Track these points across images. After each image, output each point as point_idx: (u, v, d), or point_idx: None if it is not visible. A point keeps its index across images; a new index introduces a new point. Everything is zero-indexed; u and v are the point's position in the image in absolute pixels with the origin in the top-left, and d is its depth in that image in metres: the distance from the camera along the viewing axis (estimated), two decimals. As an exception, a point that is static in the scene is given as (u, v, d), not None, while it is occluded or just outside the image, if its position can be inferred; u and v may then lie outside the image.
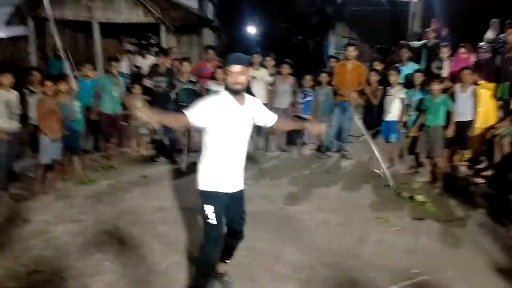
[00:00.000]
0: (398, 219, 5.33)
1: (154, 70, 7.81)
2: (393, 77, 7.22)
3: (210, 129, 3.29)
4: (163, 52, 8.30)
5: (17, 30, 14.04)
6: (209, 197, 3.38)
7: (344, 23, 20.17)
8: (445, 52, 7.81)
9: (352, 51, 7.82)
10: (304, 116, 8.06)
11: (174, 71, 7.99)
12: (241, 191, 3.55)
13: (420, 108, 6.83)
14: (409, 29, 13.24)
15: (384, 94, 7.42)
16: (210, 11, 24.03)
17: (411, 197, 5.95)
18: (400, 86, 7.20)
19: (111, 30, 14.71)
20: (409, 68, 7.62)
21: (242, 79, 3.24)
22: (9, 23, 12.70)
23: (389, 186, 6.47)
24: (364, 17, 18.75)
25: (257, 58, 8.26)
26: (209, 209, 3.36)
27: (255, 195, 6.05)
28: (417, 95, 6.99)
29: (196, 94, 7.68)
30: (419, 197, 5.89)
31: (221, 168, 3.38)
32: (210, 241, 3.41)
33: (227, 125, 3.29)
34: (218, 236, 3.45)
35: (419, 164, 7.09)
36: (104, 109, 7.52)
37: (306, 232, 5.01)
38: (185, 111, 3.20)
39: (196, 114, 3.19)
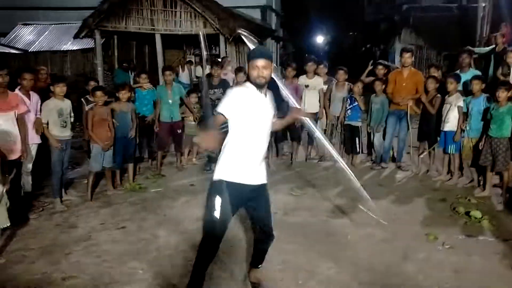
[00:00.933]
0: (449, 236, 4.95)
1: (208, 82, 7.83)
2: (451, 85, 6.80)
3: (235, 119, 3.30)
4: (216, 63, 8.33)
5: (89, 43, 14.81)
6: (221, 188, 3.29)
7: (411, 30, 19.48)
8: (511, 56, 7.27)
9: (408, 58, 7.52)
10: (352, 123, 7.81)
11: (228, 82, 8.01)
12: (263, 186, 3.47)
13: (486, 118, 6.35)
14: (478, 35, 12.52)
15: (443, 102, 7.00)
16: (273, 21, 24.17)
17: (467, 213, 5.53)
18: (458, 94, 6.77)
19: (174, 41, 15.14)
20: (468, 74, 7.15)
21: (266, 73, 3.26)
22: (77, 36, 13.33)
23: (445, 200, 6.08)
24: (431, 23, 18.05)
25: (311, 66, 8.14)
26: (216, 201, 3.28)
27: (300, 206, 5.92)
28: (475, 103, 6.53)
29: None
30: (476, 213, 5.45)
31: (242, 158, 3.33)
32: (207, 238, 3.38)
33: (251, 116, 3.32)
34: (218, 234, 3.36)
35: (480, 178, 6.61)
36: (161, 117, 7.62)
37: (347, 246, 4.78)
38: (217, 111, 3.30)
39: (227, 107, 3.28)
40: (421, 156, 7.53)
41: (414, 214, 5.70)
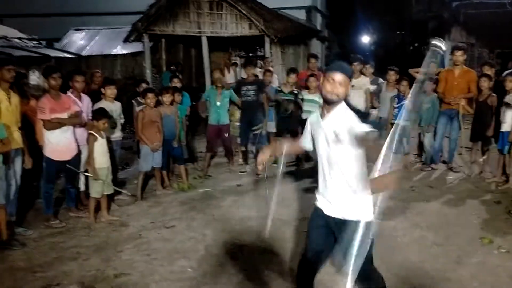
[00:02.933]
0: (505, 241, 4.77)
1: (241, 81, 7.88)
2: (510, 83, 6.50)
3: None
4: (250, 62, 8.33)
5: (138, 46, 15.19)
6: (310, 216, 3.26)
7: (461, 28, 18.89)
8: None
9: (459, 56, 7.29)
10: (399, 122, 7.57)
11: (262, 81, 8.06)
12: (344, 221, 2.99)
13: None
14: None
15: (500, 102, 6.72)
16: (318, 22, 24.00)
17: (524, 216, 5.32)
18: None
19: (220, 44, 15.30)
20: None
21: (340, 90, 2.92)
22: (126, 40, 13.69)
23: (499, 203, 5.87)
24: (482, 20, 17.39)
25: (357, 65, 8.01)
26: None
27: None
28: None
29: (297, 106, 7.75)
30: (533, 217, 5.24)
31: (319, 184, 3.13)
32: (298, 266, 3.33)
33: (316, 141, 3.11)
34: (302, 263, 3.30)
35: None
36: (210, 120, 7.65)
37: (397, 249, 4.68)
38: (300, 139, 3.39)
39: (305, 139, 3.31)
40: (481, 160, 7.28)
41: (467, 216, 5.52)
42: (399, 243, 4.84)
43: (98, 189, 5.62)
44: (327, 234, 3.12)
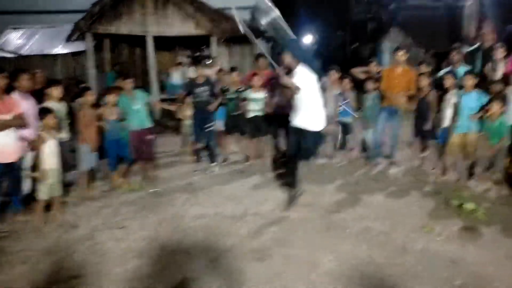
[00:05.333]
0: (444, 228, 5.09)
1: (193, 82, 7.89)
2: (448, 81, 6.92)
3: None
4: (200, 63, 8.38)
5: (80, 46, 14.79)
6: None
7: (399, 29, 19.72)
8: (499, 53, 7.42)
9: (401, 55, 7.61)
10: (344, 119, 7.93)
11: (214, 81, 8.13)
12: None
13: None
14: (464, 32, 12.73)
15: (440, 99, 7.13)
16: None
17: (460, 205, 5.68)
18: (455, 91, 6.90)
19: (166, 43, 15.18)
20: (460, 70, 7.30)
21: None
22: (69, 39, 13.33)
23: (439, 194, 6.23)
24: (419, 22, 18.30)
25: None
26: None
27: (298, 203, 6.00)
28: (466, 98, 6.66)
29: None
30: (469, 205, 5.60)
31: None
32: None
33: None
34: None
35: (473, 172, 6.76)
36: (131, 125, 7.15)
37: (347, 240, 4.89)
38: None
39: None
40: (422, 155, 7.67)
41: (409, 207, 5.83)
42: (348, 234, 5.05)
43: (46, 191, 5.50)
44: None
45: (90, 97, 6.43)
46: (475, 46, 9.18)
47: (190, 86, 7.90)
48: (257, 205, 5.98)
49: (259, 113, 7.95)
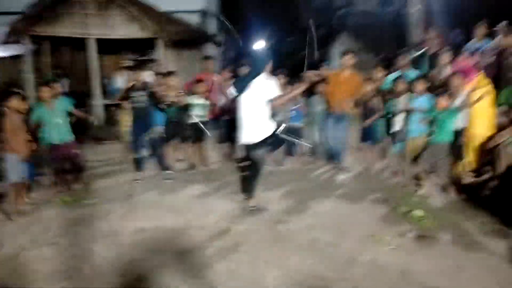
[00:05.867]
0: (394, 237, 4.93)
1: (129, 87, 7.45)
2: (400, 85, 6.87)
3: None
4: (138, 67, 7.95)
5: (19, 49, 13.97)
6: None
7: (348, 35, 19.91)
8: (445, 58, 7.46)
9: (349, 59, 7.54)
10: (295, 124, 7.72)
11: (151, 85, 7.69)
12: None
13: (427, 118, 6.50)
14: (411, 38, 12.89)
15: (384, 101, 7.09)
16: (214, 26, 23.95)
17: (409, 212, 5.56)
18: (407, 95, 6.84)
19: (110, 46, 14.60)
20: (410, 75, 7.26)
21: None
22: (5, 42, 12.56)
23: (387, 201, 6.11)
24: (366, 28, 18.51)
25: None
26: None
27: (243, 213, 5.73)
28: (418, 102, 6.61)
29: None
30: (417, 212, 5.49)
31: None
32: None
33: None
34: None
35: (420, 176, 6.70)
36: (50, 139, 6.59)
37: (294, 252, 4.64)
38: None
39: None
40: (369, 160, 7.62)
41: (357, 216, 5.65)
42: (295, 246, 4.81)
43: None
44: None
45: (16, 102, 5.88)
46: (422, 51, 9.27)
47: (128, 89, 7.45)
48: (200, 217, 5.65)
49: (203, 119, 7.75)
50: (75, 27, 12.31)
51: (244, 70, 7.86)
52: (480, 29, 8.28)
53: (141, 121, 7.32)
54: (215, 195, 6.53)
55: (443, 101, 6.19)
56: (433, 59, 8.52)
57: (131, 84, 7.24)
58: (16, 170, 5.88)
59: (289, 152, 7.97)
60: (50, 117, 6.54)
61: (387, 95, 7.21)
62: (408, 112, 6.71)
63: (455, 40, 10.21)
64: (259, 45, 44.58)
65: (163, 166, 7.50)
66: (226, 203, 6.10)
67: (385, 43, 17.32)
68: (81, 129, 10.52)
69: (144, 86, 7.39)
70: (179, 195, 6.59)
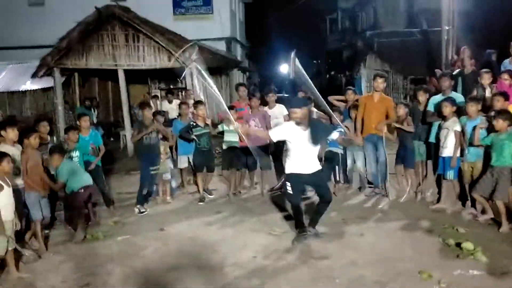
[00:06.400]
0: (444, 274, 4.57)
1: (140, 124, 7.42)
2: (446, 109, 6.50)
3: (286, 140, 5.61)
4: (145, 104, 7.86)
5: (49, 81, 14.21)
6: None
7: (375, 56, 19.67)
8: (486, 78, 7.16)
9: (380, 83, 7.45)
10: (334, 150, 7.52)
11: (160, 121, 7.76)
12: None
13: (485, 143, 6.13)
14: (443, 58, 12.56)
15: (439, 127, 6.77)
16: (239, 53, 24.10)
17: (458, 245, 5.20)
18: (455, 118, 6.50)
19: (138, 76, 14.72)
20: (454, 97, 6.92)
21: (301, 116, 5.37)
22: (35, 75, 12.79)
23: (433, 231, 5.77)
24: (395, 48, 18.26)
25: (271, 97, 8.15)
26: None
27: (281, 247, 5.49)
28: (471, 125, 6.29)
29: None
30: (468, 245, 5.12)
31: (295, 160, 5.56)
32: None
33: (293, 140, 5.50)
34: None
35: (474, 205, 6.33)
36: (78, 184, 6.23)
37: (337, 292, 4.36)
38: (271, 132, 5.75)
39: (275, 133, 5.72)
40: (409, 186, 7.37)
41: (402, 249, 5.31)
42: (337, 284, 4.52)
43: (2, 245, 4.84)
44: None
45: (34, 140, 5.76)
46: (456, 72, 8.97)
47: (139, 126, 7.42)
48: (235, 252, 5.41)
49: (235, 145, 7.70)
50: (104, 59, 12.44)
51: (271, 98, 7.95)
52: None
53: (150, 157, 7.32)
54: (251, 227, 6.29)
55: (499, 123, 5.83)
56: (468, 80, 8.24)
57: (150, 129, 7.24)
58: (37, 207, 5.74)
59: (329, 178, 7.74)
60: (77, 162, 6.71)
61: (431, 118, 6.91)
62: (458, 136, 6.38)
63: (488, 59, 9.87)
64: (284, 69, 44.75)
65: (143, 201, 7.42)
66: (262, 236, 5.86)
67: (414, 64, 17.03)
68: (110, 159, 10.57)
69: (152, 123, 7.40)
70: (212, 228, 6.38)
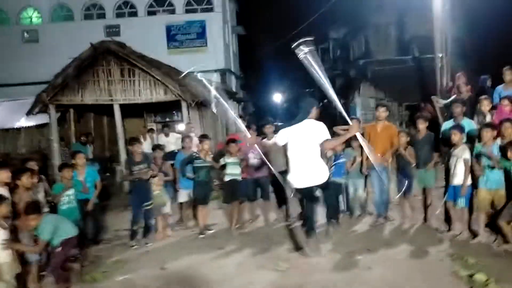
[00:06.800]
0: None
1: (130, 160, 7.36)
2: (456, 136, 6.46)
3: None
4: (134, 140, 7.69)
5: (44, 118, 14.14)
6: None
7: (369, 84, 19.83)
8: (485, 104, 7.18)
9: (382, 112, 7.55)
10: (337, 180, 7.45)
11: (149, 155, 7.76)
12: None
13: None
14: (438, 84, 12.61)
15: (449, 156, 6.70)
16: (233, 84, 24.26)
17: (470, 276, 5.06)
18: (464, 146, 6.45)
19: (134, 110, 14.67)
20: (465, 124, 6.87)
21: None
22: (30, 111, 12.72)
23: (444, 261, 5.64)
24: (388, 76, 18.40)
25: (269, 128, 7.98)
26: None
27: (287, 284, 5.31)
28: (489, 150, 6.20)
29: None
30: (481, 276, 4.98)
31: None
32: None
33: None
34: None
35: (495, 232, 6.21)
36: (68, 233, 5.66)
37: (350, 331, 4.18)
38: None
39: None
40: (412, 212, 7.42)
41: (413, 282, 5.16)
42: (349, 322, 4.35)
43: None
44: None
45: (25, 179, 5.68)
46: (452, 98, 8.99)
47: (128, 163, 7.38)
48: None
49: (237, 177, 7.67)
50: (100, 94, 12.42)
51: (269, 129, 7.82)
52: (508, 74, 7.88)
53: (140, 192, 7.29)
54: (255, 262, 6.12)
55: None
56: (466, 106, 8.22)
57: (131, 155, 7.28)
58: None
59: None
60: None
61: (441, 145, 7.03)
62: (468, 164, 6.32)
63: (483, 85, 9.93)
64: (278, 98, 45.06)
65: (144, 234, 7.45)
66: (268, 272, 5.68)
67: (408, 91, 17.12)
68: (107, 195, 10.39)
69: (144, 158, 7.38)
70: (215, 264, 6.20)
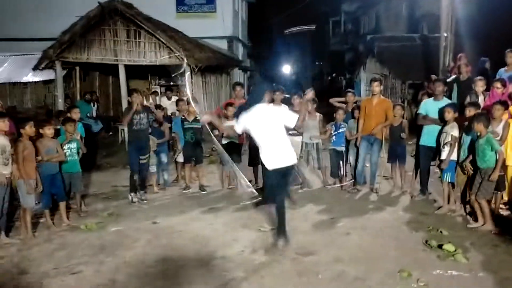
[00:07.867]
0: (423, 273, 4.72)
1: (130, 109, 7.49)
2: (448, 114, 6.69)
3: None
4: (134, 91, 7.84)
5: (51, 74, 14.37)
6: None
7: (375, 60, 19.79)
8: (480, 85, 7.34)
9: (375, 86, 7.74)
10: (337, 148, 7.96)
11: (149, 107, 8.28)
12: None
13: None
14: (440, 64, 12.68)
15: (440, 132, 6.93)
16: (240, 52, 24.22)
17: (440, 246, 5.35)
18: (454, 123, 6.66)
19: (138, 72, 14.88)
20: (442, 102, 7.08)
21: None
22: (37, 67, 12.95)
23: (419, 231, 5.93)
24: (394, 53, 18.34)
25: (279, 95, 7.97)
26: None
27: (268, 243, 5.61)
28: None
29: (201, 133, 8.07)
30: (449, 246, 5.26)
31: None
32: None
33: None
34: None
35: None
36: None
37: (318, 287, 4.50)
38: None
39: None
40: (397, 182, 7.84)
41: (386, 248, 5.46)
42: (319, 280, 4.67)
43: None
44: None
45: (29, 129, 5.95)
46: (452, 78, 9.13)
47: (127, 110, 7.58)
48: (224, 247, 5.56)
49: (235, 140, 7.96)
50: (105, 53, 12.61)
51: (279, 96, 7.76)
52: (510, 57, 7.98)
53: (140, 143, 7.53)
54: (242, 223, 6.44)
55: (479, 128, 5.99)
56: (464, 86, 8.38)
57: (135, 107, 7.36)
58: (29, 196, 5.92)
59: (336, 174, 8.21)
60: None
61: (421, 121, 7.28)
62: (454, 139, 6.57)
63: (482, 66, 10.03)
64: (286, 69, 44.78)
65: (141, 188, 7.70)
66: (250, 232, 6.01)
67: (412, 69, 17.11)
68: (108, 153, 10.72)
69: (145, 109, 7.66)
70: (204, 222, 6.52)
